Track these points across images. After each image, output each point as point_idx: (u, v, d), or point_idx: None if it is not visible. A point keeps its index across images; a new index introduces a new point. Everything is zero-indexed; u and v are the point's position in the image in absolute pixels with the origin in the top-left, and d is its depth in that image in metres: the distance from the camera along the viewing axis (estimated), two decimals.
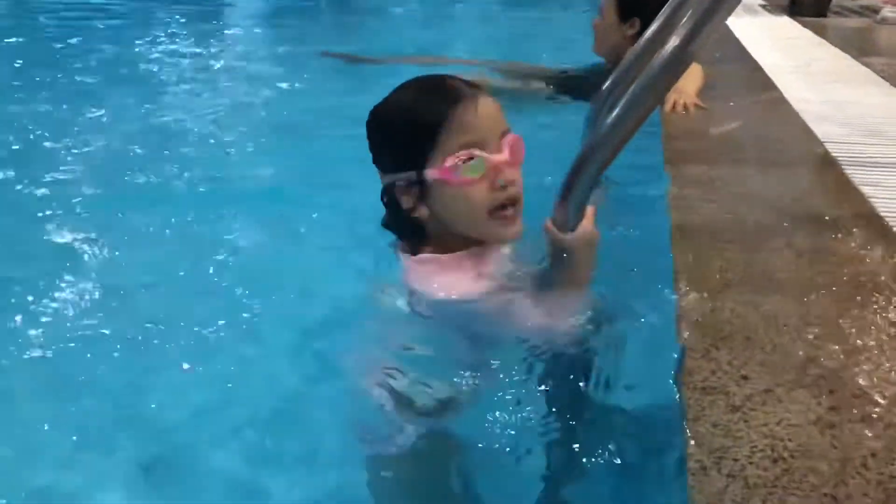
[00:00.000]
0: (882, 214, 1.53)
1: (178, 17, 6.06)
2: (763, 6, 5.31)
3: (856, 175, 1.78)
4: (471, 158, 1.20)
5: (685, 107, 2.30)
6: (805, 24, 4.41)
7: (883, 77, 2.90)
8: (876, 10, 4.70)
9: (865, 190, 1.67)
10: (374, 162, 1.32)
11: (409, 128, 1.26)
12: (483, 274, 1.25)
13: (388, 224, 1.34)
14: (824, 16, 4.76)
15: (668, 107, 2.27)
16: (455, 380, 1.21)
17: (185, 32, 5.30)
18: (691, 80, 2.44)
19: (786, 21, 4.64)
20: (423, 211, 1.27)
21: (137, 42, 4.79)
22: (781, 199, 1.64)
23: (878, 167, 1.84)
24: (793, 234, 1.44)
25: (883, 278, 1.26)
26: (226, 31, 5.52)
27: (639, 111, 1.11)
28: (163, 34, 5.11)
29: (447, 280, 1.26)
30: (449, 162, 1.21)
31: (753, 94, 2.63)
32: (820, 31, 4.10)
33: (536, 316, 1.21)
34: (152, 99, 3.31)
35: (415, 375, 1.21)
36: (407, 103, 1.28)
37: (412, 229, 1.30)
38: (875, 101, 2.55)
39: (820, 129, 2.16)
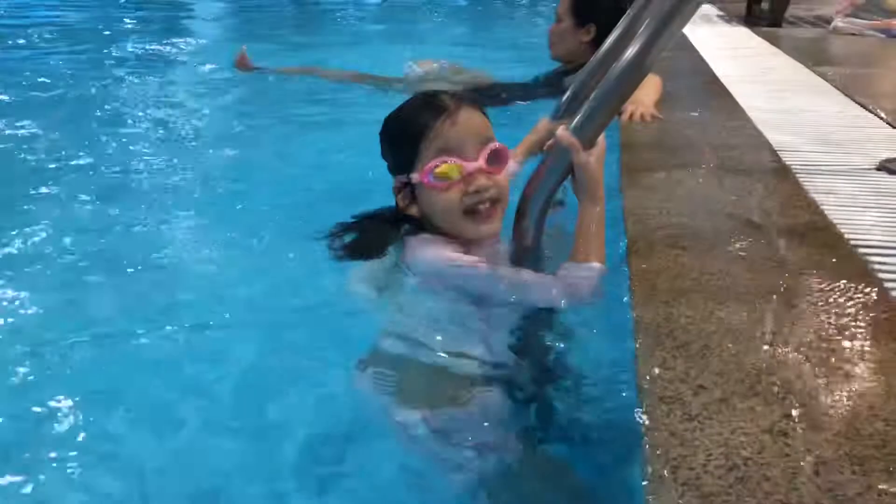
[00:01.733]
0: (834, 222, 1.56)
1: (133, 29, 6.03)
2: (720, 16, 5.40)
3: (809, 183, 1.81)
4: (438, 166, 1.37)
5: (642, 117, 2.32)
6: (760, 34, 4.49)
7: (835, 86, 2.96)
8: (828, 21, 4.80)
9: (818, 198, 1.71)
10: (383, 156, 1.51)
11: (400, 137, 1.46)
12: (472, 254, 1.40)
13: (396, 217, 1.50)
14: (779, 26, 4.85)
15: (625, 117, 2.30)
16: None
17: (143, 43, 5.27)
18: (648, 91, 2.47)
19: (742, 31, 4.72)
20: (414, 209, 1.45)
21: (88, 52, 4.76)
22: (736, 207, 1.66)
23: (830, 175, 1.88)
24: (747, 242, 1.46)
25: (835, 287, 1.28)
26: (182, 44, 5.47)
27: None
28: (117, 47, 5.09)
29: (439, 246, 1.40)
30: (426, 167, 1.38)
31: (710, 104, 2.67)
32: (775, 41, 4.18)
33: (549, 281, 1.36)
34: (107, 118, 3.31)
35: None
36: (402, 115, 1.48)
37: (409, 223, 1.47)
38: (828, 109, 2.61)
39: (774, 138, 2.20)
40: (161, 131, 3.11)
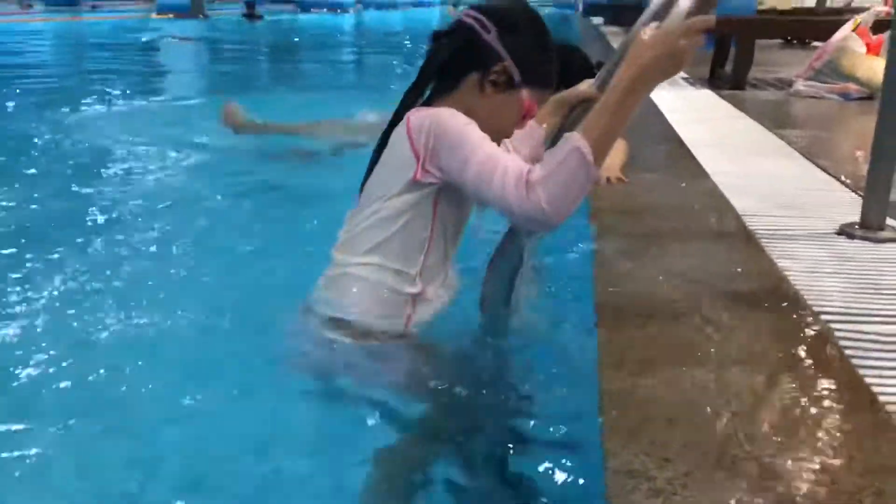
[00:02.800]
0: (797, 288, 1.59)
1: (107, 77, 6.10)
2: (685, 79, 5.54)
3: (772, 248, 1.85)
4: (535, 112, 1.54)
5: (608, 180, 2.37)
6: (724, 97, 4.62)
7: (796, 149, 3.04)
8: (789, 83, 4.95)
9: (781, 263, 1.74)
10: (505, 26, 1.49)
11: (549, 63, 1.54)
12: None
13: (442, 60, 1.51)
14: (742, 88, 4.99)
15: None
16: None
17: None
18: (616, 154, 2.52)
19: (706, 93, 4.85)
20: (488, 89, 1.49)
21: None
22: (702, 273, 1.68)
23: (792, 240, 1.92)
24: (712, 310, 1.48)
25: (798, 355, 1.30)
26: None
27: None
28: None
29: (451, 113, 1.42)
30: (535, 103, 1.52)
31: (675, 168, 2.73)
32: (738, 104, 4.30)
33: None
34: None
35: None
36: (554, 55, 1.55)
37: (451, 82, 1.51)
38: (790, 173, 2.67)
39: (738, 202, 2.24)
40: (127, 186, 3.13)
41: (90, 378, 1.58)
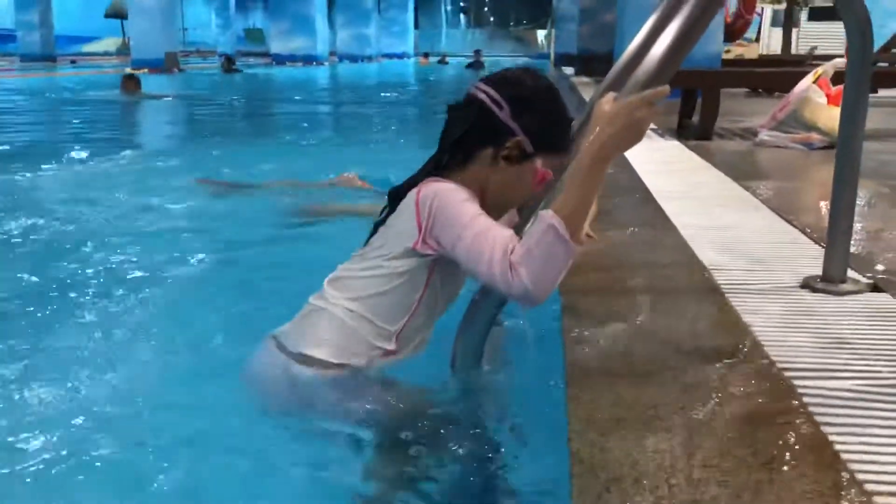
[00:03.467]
0: (762, 344, 1.62)
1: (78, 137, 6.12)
2: (653, 129, 5.66)
3: (738, 303, 1.88)
4: (551, 178, 1.58)
5: None
6: (691, 148, 4.72)
7: (761, 200, 3.12)
8: (755, 133, 5.08)
9: (747, 318, 1.77)
10: (518, 104, 1.56)
11: (561, 129, 1.61)
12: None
13: (457, 135, 1.59)
14: (709, 139, 5.11)
15: None
16: None
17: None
18: None
19: (674, 144, 4.96)
20: (503, 164, 1.57)
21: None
22: (669, 331, 1.71)
23: (758, 294, 1.96)
24: (679, 368, 1.50)
25: (764, 413, 1.32)
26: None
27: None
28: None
29: (454, 189, 1.53)
30: (549, 171, 1.58)
31: (643, 221, 2.78)
32: (705, 155, 4.40)
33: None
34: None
35: None
36: (568, 115, 1.63)
37: (466, 156, 1.59)
38: (755, 225, 2.73)
39: (705, 256, 2.29)
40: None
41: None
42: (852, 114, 1.96)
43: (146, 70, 18.55)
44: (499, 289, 1.40)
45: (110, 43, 38.01)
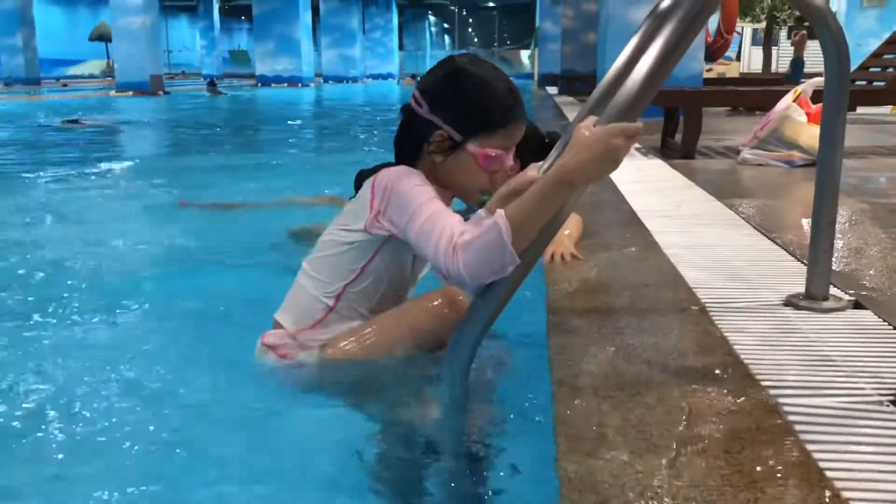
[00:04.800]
0: (746, 362, 1.63)
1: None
2: (638, 148, 5.71)
3: (721, 321, 1.89)
4: (503, 159, 1.64)
5: (563, 257, 2.41)
6: (675, 167, 4.76)
7: (744, 218, 3.14)
8: (737, 151, 5.12)
9: (731, 337, 1.78)
10: (433, 97, 1.65)
11: (479, 107, 1.62)
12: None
13: (398, 139, 1.74)
14: (692, 157, 5.15)
15: (546, 258, 2.38)
16: None
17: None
18: (570, 230, 2.57)
19: (658, 163, 4.99)
20: (438, 158, 1.66)
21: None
22: (655, 350, 1.72)
23: (741, 312, 1.97)
24: (665, 388, 1.50)
25: (749, 432, 1.32)
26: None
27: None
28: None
29: (408, 174, 1.64)
30: (490, 151, 1.63)
31: (627, 240, 2.79)
32: (688, 173, 4.43)
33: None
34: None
35: None
36: (490, 92, 1.63)
37: (411, 156, 1.70)
38: (738, 242, 2.75)
39: (689, 274, 2.30)
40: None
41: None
42: (831, 133, 1.99)
43: (131, 92, 18.55)
44: (439, 268, 1.51)
45: (95, 66, 38.04)
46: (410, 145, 1.70)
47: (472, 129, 1.64)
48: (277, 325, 1.83)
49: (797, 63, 13.94)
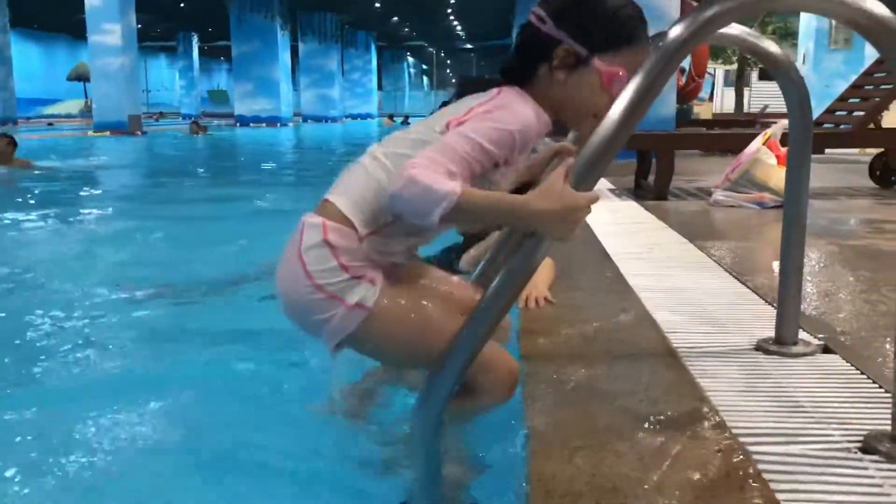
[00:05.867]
0: (717, 408, 1.64)
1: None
2: (612, 190, 5.78)
3: (693, 366, 1.90)
4: (626, 81, 1.48)
5: (536, 301, 2.42)
6: (648, 208, 4.82)
7: (715, 261, 3.18)
8: (709, 193, 5.20)
9: (702, 383, 1.79)
10: (558, 13, 1.54)
11: (610, 23, 1.53)
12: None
13: (512, 60, 1.59)
14: (665, 198, 5.22)
15: (521, 304, 2.39)
16: None
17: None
18: (543, 274, 2.59)
19: (632, 205, 5.05)
20: (560, 75, 1.54)
21: None
22: (627, 396, 1.72)
23: (713, 357, 1.99)
24: (633, 436, 1.51)
25: (720, 480, 1.33)
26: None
27: None
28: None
29: (523, 115, 1.51)
30: (616, 69, 1.52)
31: (601, 283, 2.81)
32: (661, 215, 4.49)
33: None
34: None
35: None
36: (622, 7, 1.55)
37: (527, 74, 1.56)
38: (709, 285, 2.78)
39: (661, 318, 2.32)
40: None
41: None
42: (796, 179, 2.03)
43: (108, 132, 18.52)
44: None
45: (73, 105, 37.96)
46: (526, 65, 1.57)
47: (599, 46, 1.54)
48: (333, 213, 1.52)
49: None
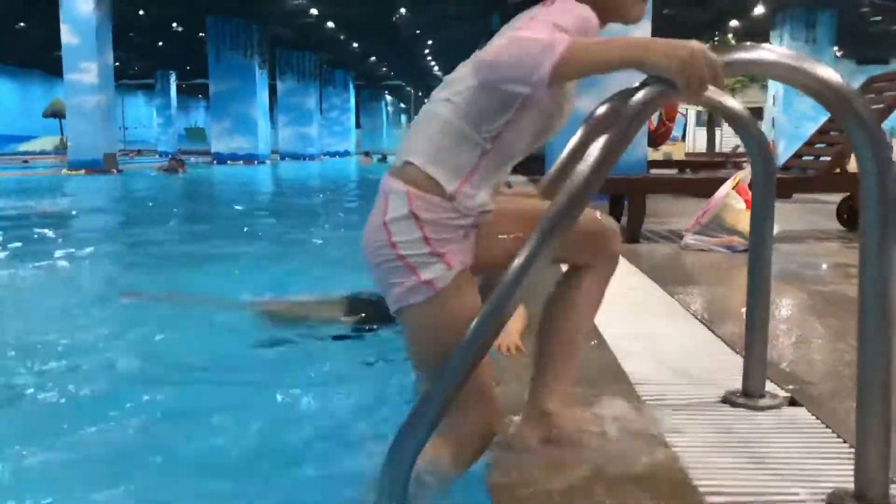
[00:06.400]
0: (686, 467, 1.63)
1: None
2: None
3: (662, 420, 1.90)
4: None
5: (508, 349, 2.42)
6: (621, 252, 4.84)
7: (684, 307, 3.20)
8: (681, 236, 5.25)
9: (670, 438, 1.79)
10: None
11: None
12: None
13: None
14: (637, 241, 5.27)
15: (494, 349, 2.38)
16: None
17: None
18: (515, 322, 2.59)
19: None
20: None
21: None
22: (597, 453, 1.71)
23: (680, 410, 1.99)
24: (605, 498, 1.50)
25: None
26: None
27: None
28: None
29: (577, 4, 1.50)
30: None
31: None
32: (634, 259, 4.52)
33: None
34: None
35: None
36: None
37: None
38: (679, 332, 2.80)
39: (631, 368, 2.33)
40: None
41: None
42: (760, 230, 2.05)
43: (83, 171, 18.39)
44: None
45: (48, 142, 37.74)
46: None
47: None
48: (417, 176, 1.52)
49: None
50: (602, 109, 1.94)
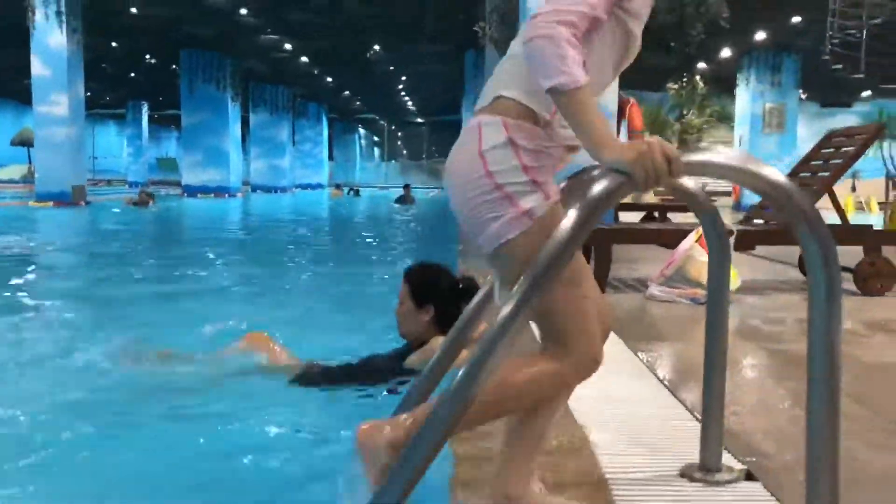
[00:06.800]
0: None
1: None
2: None
3: (620, 495, 1.93)
4: None
5: None
6: None
7: (647, 366, 3.25)
8: (646, 285, 5.33)
9: None
10: None
11: None
12: None
13: None
14: (603, 291, 5.32)
15: None
16: None
17: None
18: None
19: None
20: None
21: None
22: None
23: (639, 484, 2.02)
24: None
25: None
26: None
27: None
28: None
29: None
30: None
31: None
32: None
33: None
34: None
35: None
36: None
37: None
38: (641, 394, 2.84)
39: (594, 436, 2.35)
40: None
41: None
42: (715, 320, 2.08)
43: (51, 203, 18.14)
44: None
45: (15, 171, 37.32)
46: None
47: None
48: (510, 107, 1.57)
49: None
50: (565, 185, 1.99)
